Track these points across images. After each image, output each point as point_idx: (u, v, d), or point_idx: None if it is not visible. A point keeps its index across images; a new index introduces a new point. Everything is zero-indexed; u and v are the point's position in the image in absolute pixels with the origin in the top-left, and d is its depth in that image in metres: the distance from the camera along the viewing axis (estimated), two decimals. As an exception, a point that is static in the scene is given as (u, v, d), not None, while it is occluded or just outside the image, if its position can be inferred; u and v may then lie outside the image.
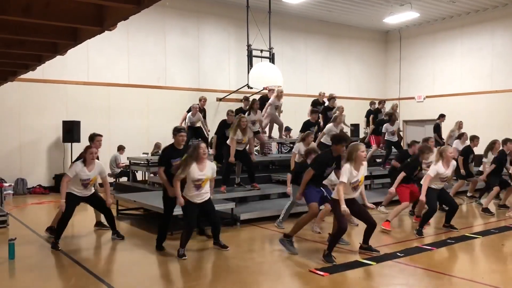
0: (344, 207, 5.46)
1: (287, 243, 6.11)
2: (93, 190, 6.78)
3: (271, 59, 15.33)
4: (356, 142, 6.65)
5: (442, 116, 13.62)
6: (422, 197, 6.94)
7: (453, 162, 7.27)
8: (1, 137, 12.18)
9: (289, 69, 16.76)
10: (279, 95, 11.57)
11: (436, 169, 6.98)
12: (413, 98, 19.24)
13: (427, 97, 18.74)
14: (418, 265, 5.53)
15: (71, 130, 12.15)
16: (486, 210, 8.90)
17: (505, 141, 9.18)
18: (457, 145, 10.91)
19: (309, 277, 5.09)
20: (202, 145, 5.97)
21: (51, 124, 12.74)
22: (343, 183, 5.58)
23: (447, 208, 7.55)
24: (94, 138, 7.09)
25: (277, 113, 11.80)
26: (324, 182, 6.66)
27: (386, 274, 5.31)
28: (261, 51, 15.02)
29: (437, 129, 13.29)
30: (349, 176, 5.61)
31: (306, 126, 10.47)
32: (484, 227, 7.72)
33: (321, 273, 5.14)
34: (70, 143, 12.29)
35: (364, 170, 5.81)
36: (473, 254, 6.28)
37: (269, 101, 11.63)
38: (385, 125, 11.19)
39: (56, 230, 6.54)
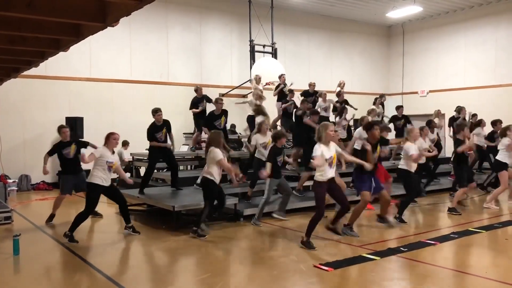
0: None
1: (348, 231, 6.68)
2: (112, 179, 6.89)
3: (274, 54, 15.32)
4: (326, 122, 6.55)
5: (473, 116, 12.98)
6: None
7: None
8: (4, 134, 12.19)
9: (291, 64, 16.69)
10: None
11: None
12: (416, 92, 19.18)
13: (430, 91, 18.69)
14: (422, 260, 5.52)
15: (74, 126, 12.15)
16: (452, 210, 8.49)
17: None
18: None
19: (313, 272, 5.10)
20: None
21: (54, 120, 12.70)
22: (317, 157, 5.79)
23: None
24: (60, 129, 8.06)
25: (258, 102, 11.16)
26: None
27: (390, 268, 5.32)
28: (264, 46, 15.00)
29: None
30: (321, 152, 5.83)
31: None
32: (487, 222, 7.71)
33: (326, 268, 5.15)
34: (73, 139, 12.30)
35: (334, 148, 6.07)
36: (476, 249, 6.27)
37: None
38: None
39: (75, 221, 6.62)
